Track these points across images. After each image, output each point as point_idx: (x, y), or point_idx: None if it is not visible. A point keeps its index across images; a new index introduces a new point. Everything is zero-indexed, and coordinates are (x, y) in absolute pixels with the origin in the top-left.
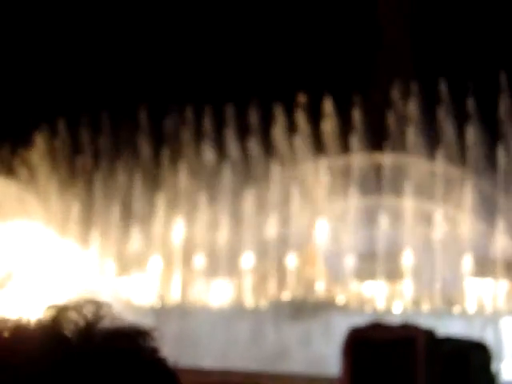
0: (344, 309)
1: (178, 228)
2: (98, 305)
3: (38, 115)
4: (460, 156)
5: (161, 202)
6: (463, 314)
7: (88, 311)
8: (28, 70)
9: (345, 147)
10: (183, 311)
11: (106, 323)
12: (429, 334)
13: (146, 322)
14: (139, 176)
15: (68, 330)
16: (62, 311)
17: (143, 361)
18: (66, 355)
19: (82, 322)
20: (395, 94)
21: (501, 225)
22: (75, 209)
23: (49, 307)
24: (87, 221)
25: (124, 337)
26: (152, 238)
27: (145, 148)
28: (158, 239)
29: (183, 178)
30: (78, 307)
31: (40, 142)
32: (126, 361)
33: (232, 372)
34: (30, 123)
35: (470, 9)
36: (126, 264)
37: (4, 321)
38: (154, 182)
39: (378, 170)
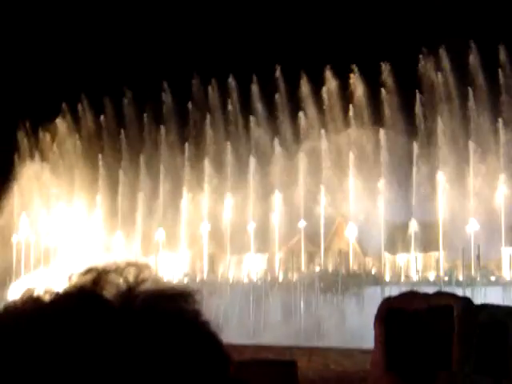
0: (377, 280)
1: (206, 206)
2: (139, 267)
3: (60, 95)
4: (492, 124)
5: (187, 180)
6: (500, 282)
7: (129, 274)
8: (50, 51)
9: (374, 118)
10: (212, 288)
11: (147, 285)
12: (465, 302)
13: None
14: (164, 158)
15: (109, 293)
16: (102, 274)
17: (186, 323)
18: (107, 318)
19: (123, 285)
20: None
21: None
22: (101, 190)
23: (89, 270)
24: (114, 202)
25: (166, 299)
26: (180, 217)
27: (169, 129)
28: (186, 218)
29: (209, 158)
30: (118, 270)
31: (62, 122)
32: (168, 323)
33: (265, 347)
34: (52, 103)
35: None
36: (153, 243)
37: (44, 286)
38: (179, 163)
39: (409, 141)
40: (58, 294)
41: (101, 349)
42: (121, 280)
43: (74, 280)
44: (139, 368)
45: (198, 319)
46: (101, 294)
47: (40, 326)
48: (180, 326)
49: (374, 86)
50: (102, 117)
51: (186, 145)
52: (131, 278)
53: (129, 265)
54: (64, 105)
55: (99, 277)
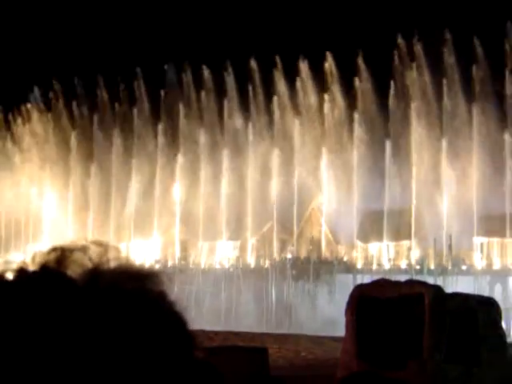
0: (349, 268)
1: (178, 193)
2: (104, 247)
3: (32, 78)
4: (467, 112)
5: (160, 167)
6: (471, 271)
7: (94, 253)
8: (23, 33)
9: (348, 109)
10: (184, 274)
11: (113, 265)
12: (436, 291)
13: None
14: (137, 145)
15: (74, 272)
16: (66, 253)
17: (150, 302)
18: (70, 296)
19: (88, 264)
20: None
21: (509, 183)
22: (73, 177)
23: (53, 249)
24: (85, 189)
25: (131, 278)
26: (152, 204)
27: (142, 116)
28: (158, 205)
29: (182, 145)
30: (83, 249)
31: (33, 106)
32: (132, 302)
33: (236, 334)
34: (23, 86)
35: None
36: (125, 230)
37: (8, 263)
38: (152, 151)
39: (384, 132)
40: (21, 273)
41: (63, 326)
42: (86, 259)
43: (38, 259)
44: (101, 346)
45: (162, 299)
46: (64, 273)
47: (1, 303)
48: (144, 305)
49: (348, 76)
50: (74, 102)
51: (159, 131)
52: (96, 258)
53: (94, 244)
54: (36, 88)
55: (63, 255)
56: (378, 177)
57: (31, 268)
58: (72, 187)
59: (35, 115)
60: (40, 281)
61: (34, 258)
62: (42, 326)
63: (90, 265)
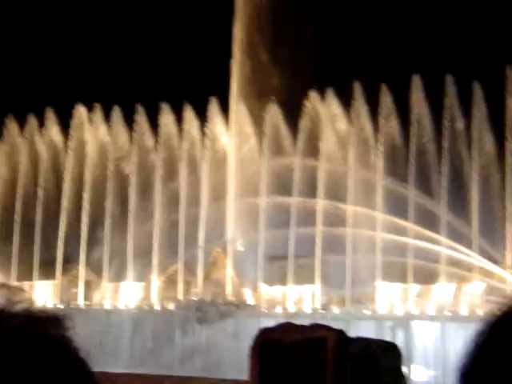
0: (254, 311)
1: (84, 233)
2: (11, 289)
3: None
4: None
5: (64, 206)
6: (374, 316)
7: (1, 295)
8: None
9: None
10: (87, 315)
11: (19, 308)
12: (339, 335)
13: None
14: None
15: None
16: None
17: (54, 348)
18: None
19: None
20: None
21: (410, 229)
22: None
23: None
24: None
25: (36, 323)
26: (56, 243)
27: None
28: (62, 244)
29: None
30: None
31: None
32: (35, 347)
33: (139, 376)
34: None
35: None
36: (27, 271)
37: None
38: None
39: (289, 172)
40: None
41: None
42: None
43: None
44: None
45: (66, 344)
46: None
47: None
48: (47, 351)
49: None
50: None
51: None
52: (2, 300)
53: (1, 287)
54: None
55: None
56: (285, 221)
57: None
58: None
59: None
60: None
61: None
62: None
63: None
